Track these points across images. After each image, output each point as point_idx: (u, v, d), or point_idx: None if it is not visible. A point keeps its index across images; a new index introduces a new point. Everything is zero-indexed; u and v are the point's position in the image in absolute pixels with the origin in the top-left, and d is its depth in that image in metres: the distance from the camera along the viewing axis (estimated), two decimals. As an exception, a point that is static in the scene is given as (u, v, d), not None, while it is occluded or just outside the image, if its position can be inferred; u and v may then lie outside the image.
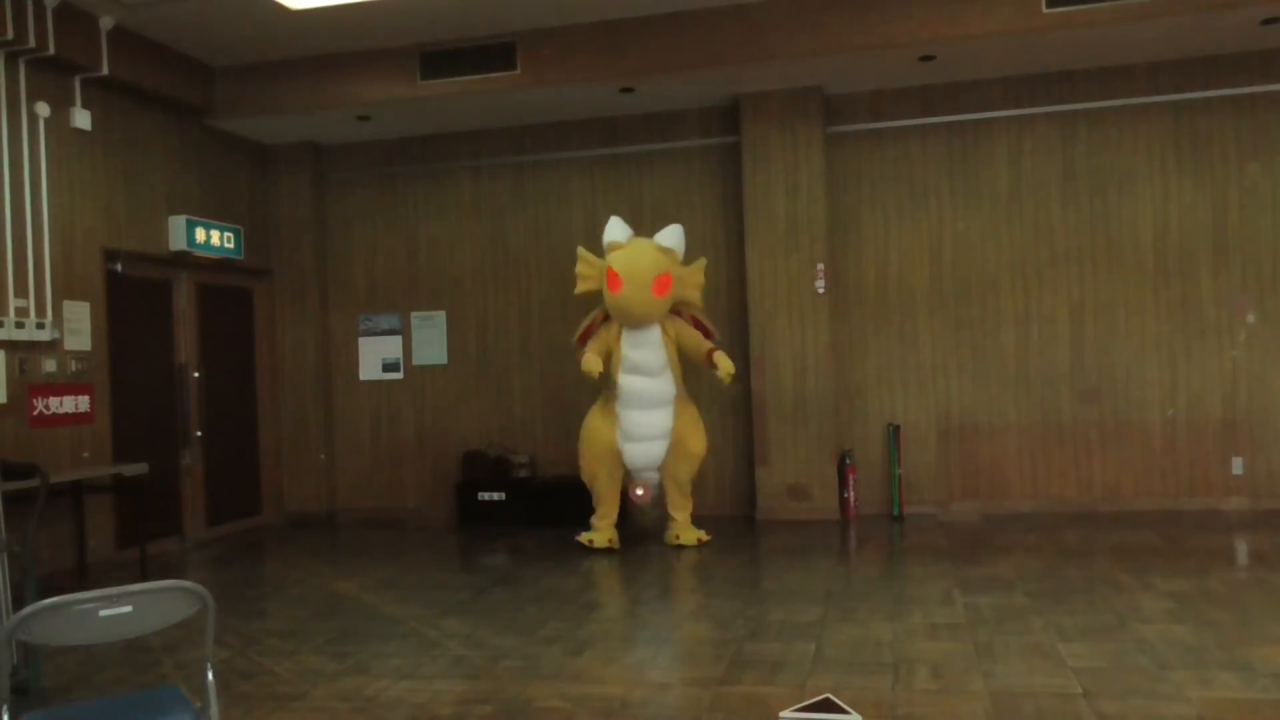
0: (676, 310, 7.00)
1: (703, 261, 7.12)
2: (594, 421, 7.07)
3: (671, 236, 6.89)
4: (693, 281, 6.98)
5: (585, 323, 7.14)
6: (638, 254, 6.77)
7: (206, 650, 2.64)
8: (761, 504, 7.93)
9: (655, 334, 6.86)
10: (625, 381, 6.88)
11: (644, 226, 8.15)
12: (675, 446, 6.96)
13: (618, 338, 6.90)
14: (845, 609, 5.11)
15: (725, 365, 6.84)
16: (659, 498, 7.24)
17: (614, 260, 6.78)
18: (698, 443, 7.05)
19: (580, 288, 7.11)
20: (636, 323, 6.82)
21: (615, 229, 6.95)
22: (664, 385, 6.90)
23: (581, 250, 7.17)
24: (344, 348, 9.11)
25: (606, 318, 7.01)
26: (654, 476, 7.10)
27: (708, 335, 7.08)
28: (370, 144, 9.01)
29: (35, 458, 6.18)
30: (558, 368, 8.46)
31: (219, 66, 7.97)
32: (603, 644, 4.72)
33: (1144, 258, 7.68)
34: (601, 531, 7.00)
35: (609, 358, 6.91)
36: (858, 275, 8.10)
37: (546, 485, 8.26)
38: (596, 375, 6.78)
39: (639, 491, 7.16)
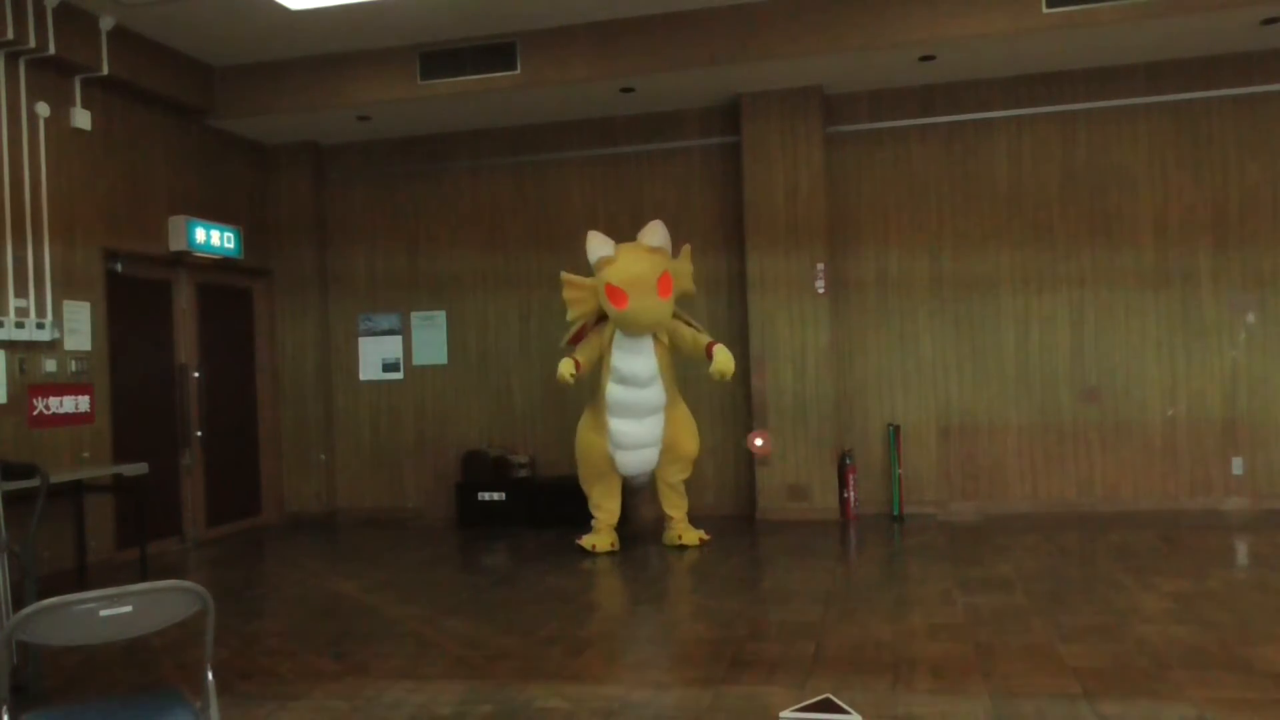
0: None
1: (687, 248, 7.00)
2: (585, 432, 7.04)
3: (657, 235, 6.75)
4: (683, 270, 6.85)
5: (576, 326, 6.98)
6: (633, 261, 6.60)
7: (206, 650, 2.64)
8: (761, 504, 7.93)
9: (647, 343, 6.75)
10: (613, 392, 6.80)
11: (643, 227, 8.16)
12: (668, 450, 6.94)
13: (609, 343, 6.79)
14: (845, 609, 5.11)
15: (721, 363, 6.60)
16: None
17: (611, 275, 6.57)
18: (690, 444, 7.02)
19: (573, 313, 6.86)
20: (649, 330, 6.71)
21: (599, 244, 6.75)
22: (654, 394, 6.82)
23: (566, 275, 6.89)
24: (344, 348, 9.11)
25: (599, 321, 6.87)
26: (645, 479, 7.09)
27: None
28: (370, 144, 9.01)
29: (35, 458, 6.19)
30: (557, 368, 8.44)
31: (219, 66, 7.97)
32: (603, 644, 4.72)
33: (1144, 258, 7.68)
34: (602, 535, 6.99)
35: (599, 361, 6.84)
36: (858, 275, 8.10)
37: (546, 485, 8.25)
38: (570, 381, 6.64)
39: (758, 442, 7.12)
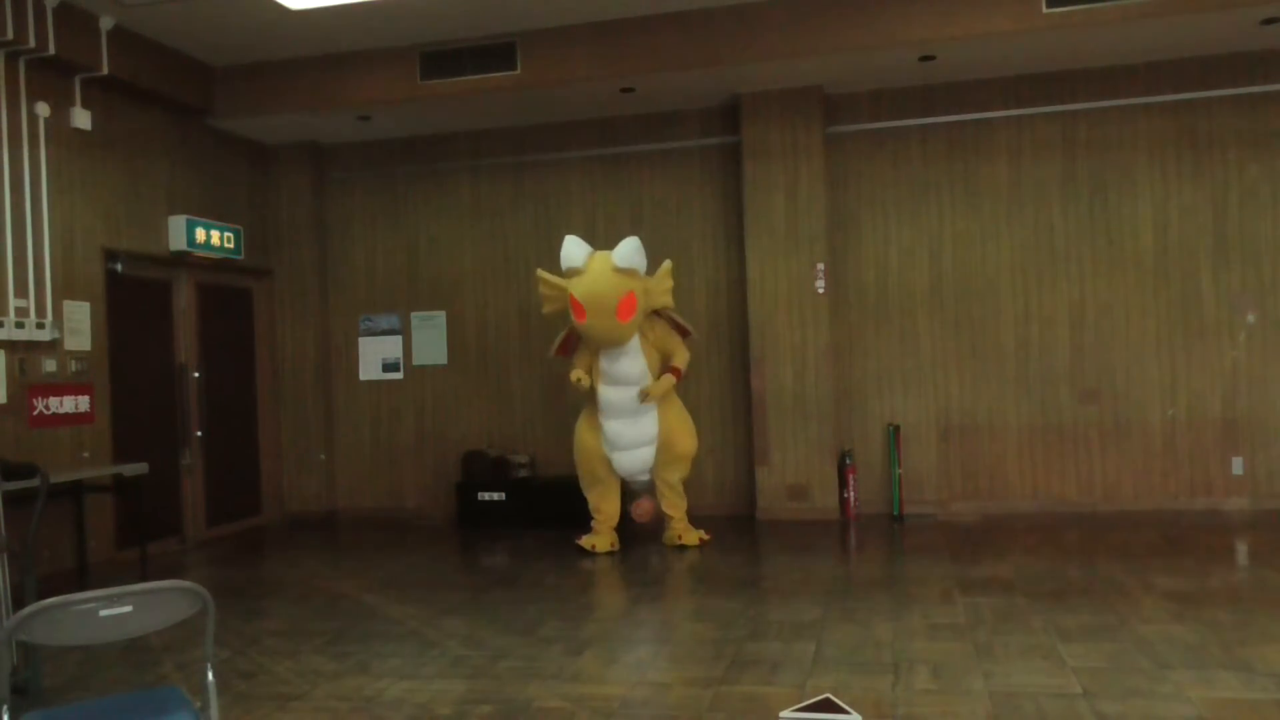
0: (656, 311, 6.86)
1: (668, 264, 6.85)
2: (582, 433, 7.06)
3: (628, 254, 6.57)
4: (660, 288, 6.75)
5: (562, 334, 7.05)
6: (597, 279, 6.55)
7: (206, 650, 2.64)
8: (761, 504, 7.93)
9: (633, 342, 6.75)
10: (605, 393, 6.82)
11: (644, 226, 8.19)
12: (664, 449, 6.92)
13: (596, 349, 6.82)
14: (845, 609, 5.11)
15: (655, 388, 6.74)
16: (659, 514, 7.19)
17: (574, 288, 6.60)
18: (686, 442, 7.01)
19: (547, 308, 6.93)
20: (606, 345, 6.73)
21: (572, 251, 6.68)
22: None
23: (541, 272, 6.89)
24: (344, 348, 9.11)
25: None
26: (645, 479, 7.08)
27: (683, 333, 7.01)
28: (370, 144, 9.01)
29: (35, 458, 6.18)
30: (558, 368, 8.44)
31: (219, 66, 7.97)
32: (603, 644, 4.73)
33: (1144, 258, 7.68)
34: (602, 535, 6.99)
35: (591, 368, 6.89)
36: (858, 275, 8.10)
37: (546, 485, 8.25)
38: (585, 387, 6.81)
39: (641, 509, 7.14)
